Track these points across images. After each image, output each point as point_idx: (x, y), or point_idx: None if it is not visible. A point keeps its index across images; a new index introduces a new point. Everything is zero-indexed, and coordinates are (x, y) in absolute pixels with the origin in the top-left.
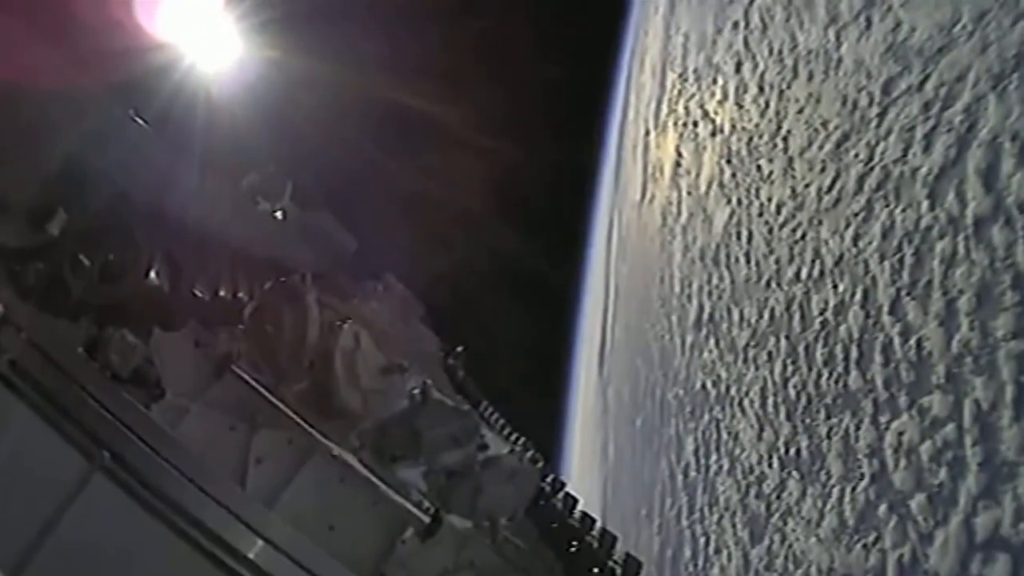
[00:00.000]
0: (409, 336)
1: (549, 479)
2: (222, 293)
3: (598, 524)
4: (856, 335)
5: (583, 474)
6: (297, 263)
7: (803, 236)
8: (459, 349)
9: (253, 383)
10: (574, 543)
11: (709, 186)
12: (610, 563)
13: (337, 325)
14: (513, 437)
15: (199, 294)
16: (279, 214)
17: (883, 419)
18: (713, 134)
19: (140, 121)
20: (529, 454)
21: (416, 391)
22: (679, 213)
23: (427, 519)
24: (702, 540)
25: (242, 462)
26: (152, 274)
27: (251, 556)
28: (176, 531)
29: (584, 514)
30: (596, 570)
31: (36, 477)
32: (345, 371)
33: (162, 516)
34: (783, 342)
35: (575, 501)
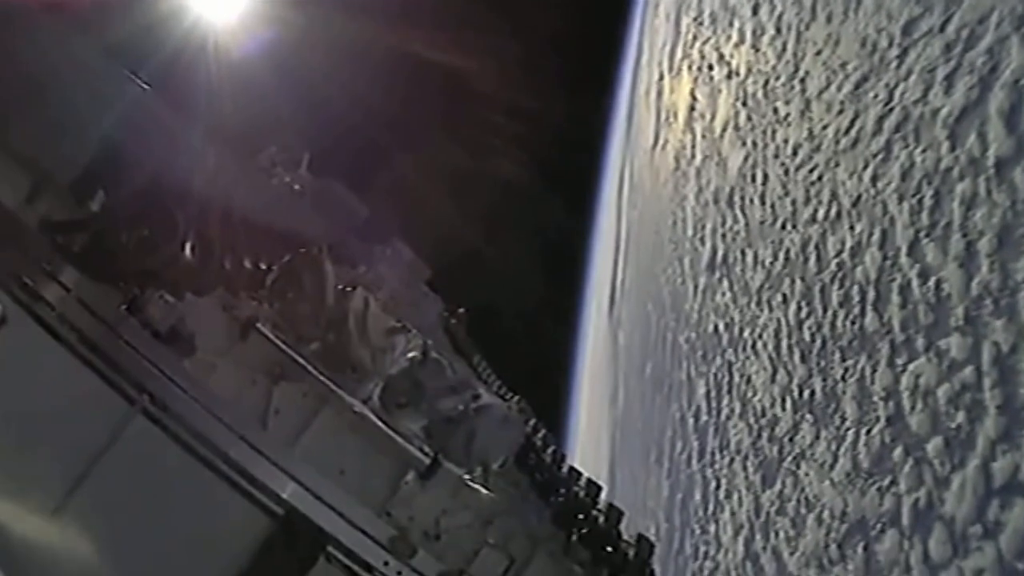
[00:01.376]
0: (414, 299)
1: (541, 435)
2: (247, 264)
3: (585, 476)
4: (873, 276)
5: (591, 420)
6: (312, 234)
7: (820, 177)
8: (460, 311)
9: (274, 342)
10: (561, 493)
11: (724, 129)
12: (595, 511)
13: (349, 290)
14: (505, 393)
15: (226, 265)
16: (295, 186)
17: (900, 361)
18: (729, 77)
19: (139, 80)
20: (518, 406)
21: (418, 350)
22: (693, 157)
23: (427, 462)
24: (713, 484)
25: (263, 412)
26: (186, 247)
27: (279, 491)
28: (210, 467)
29: (571, 468)
30: (581, 516)
31: (82, 419)
32: (357, 332)
33: (196, 453)
34: (798, 283)
35: (564, 455)
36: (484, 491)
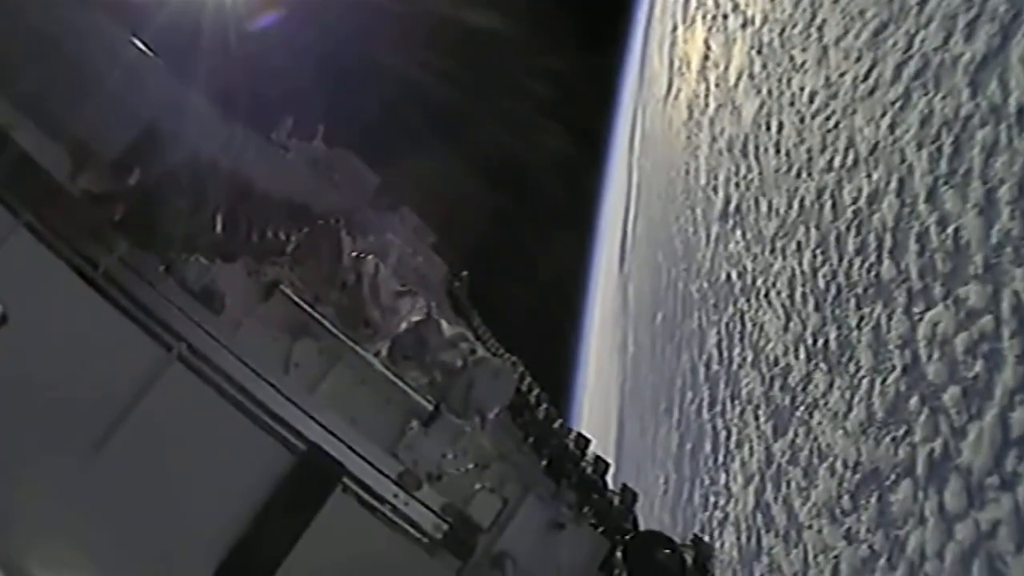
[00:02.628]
0: (419, 263)
1: (535, 393)
2: (270, 234)
3: (575, 431)
4: (890, 224)
5: (600, 373)
6: (328, 206)
7: (836, 125)
8: (463, 274)
9: (294, 302)
10: (551, 445)
11: (738, 78)
12: (583, 463)
13: (362, 257)
14: (500, 350)
15: (251, 234)
16: (311, 157)
17: (917, 309)
18: (744, 26)
19: (141, 46)
20: (511, 362)
21: (422, 311)
22: (706, 106)
23: (430, 411)
24: (723, 434)
25: (283, 365)
26: (216, 218)
27: (300, 429)
28: (239, 407)
29: (563, 423)
30: (571, 466)
31: (125, 364)
32: (369, 294)
33: (226, 395)
34: (813, 232)
35: (556, 411)
36: (481, 439)
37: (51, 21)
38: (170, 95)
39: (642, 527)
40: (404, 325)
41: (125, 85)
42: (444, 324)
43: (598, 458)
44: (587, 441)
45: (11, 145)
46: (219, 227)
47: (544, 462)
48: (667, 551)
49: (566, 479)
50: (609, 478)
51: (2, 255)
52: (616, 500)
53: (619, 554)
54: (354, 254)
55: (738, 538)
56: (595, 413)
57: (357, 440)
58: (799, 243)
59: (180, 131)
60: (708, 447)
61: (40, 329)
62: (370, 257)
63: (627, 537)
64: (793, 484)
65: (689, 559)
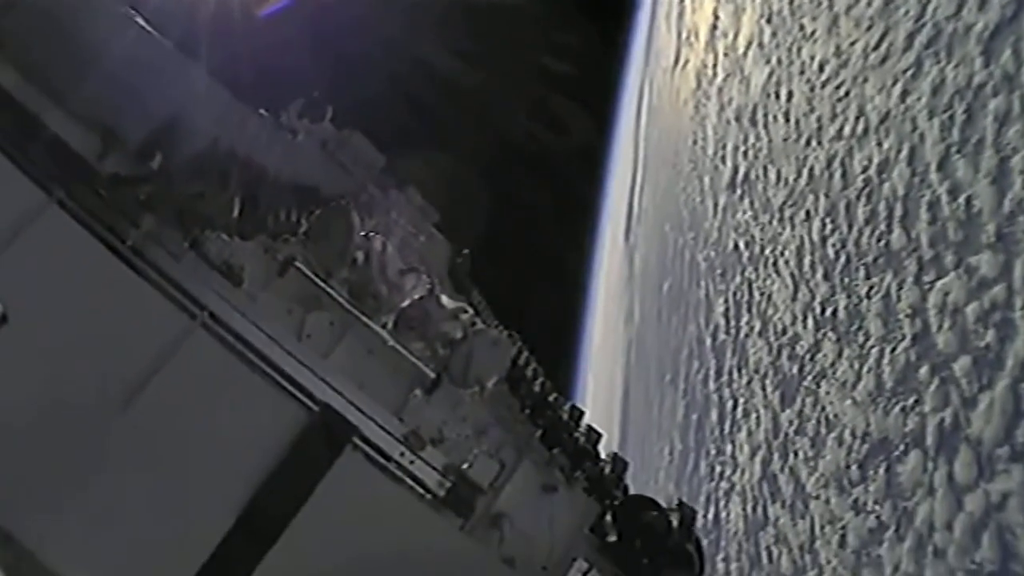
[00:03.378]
0: (423, 241)
1: (532, 366)
2: (284, 214)
3: (570, 404)
4: (901, 192)
5: (605, 344)
6: (337, 188)
7: (847, 94)
8: (464, 251)
9: (308, 277)
10: (547, 416)
11: (748, 47)
12: (576, 434)
13: (370, 236)
14: (498, 325)
15: (268, 214)
16: (321, 137)
17: (927, 278)
18: None
19: (141, 20)
20: (508, 336)
21: (426, 287)
22: (715, 76)
23: (432, 379)
24: (730, 404)
25: (297, 336)
26: (235, 199)
27: (316, 394)
28: (257, 371)
29: (557, 395)
30: (565, 435)
31: (150, 330)
32: (376, 271)
33: (246, 359)
34: (822, 200)
35: (553, 385)
36: (480, 407)
37: (77, 12)
38: (191, 85)
39: (642, 495)
40: (408, 300)
41: (148, 76)
42: (445, 299)
43: (590, 429)
44: (581, 413)
45: (43, 129)
46: (237, 209)
47: (539, 432)
48: (653, 513)
49: (559, 447)
50: (609, 448)
51: (36, 230)
52: (607, 468)
53: (609, 517)
54: (363, 234)
55: (744, 508)
56: (600, 384)
57: (366, 403)
58: (808, 212)
59: (200, 119)
60: (714, 417)
61: (72, 298)
62: (378, 237)
63: (616, 501)
64: (800, 454)
65: (674, 521)
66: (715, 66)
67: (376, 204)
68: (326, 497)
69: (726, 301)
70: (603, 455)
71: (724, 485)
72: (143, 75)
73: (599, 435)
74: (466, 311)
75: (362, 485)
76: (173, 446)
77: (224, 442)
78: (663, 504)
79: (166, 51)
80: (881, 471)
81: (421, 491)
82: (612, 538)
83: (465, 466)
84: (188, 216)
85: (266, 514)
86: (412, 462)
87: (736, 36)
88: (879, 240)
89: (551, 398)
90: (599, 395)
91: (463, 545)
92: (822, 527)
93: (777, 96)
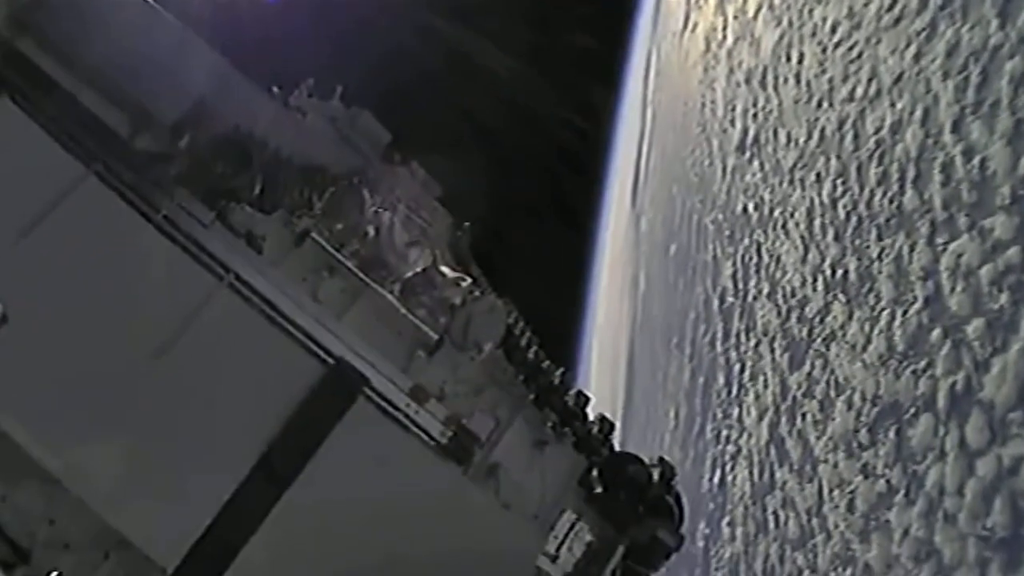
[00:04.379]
0: (426, 215)
1: (527, 335)
2: (299, 194)
3: (561, 369)
4: (914, 154)
5: (610, 309)
6: (347, 166)
7: (860, 55)
8: (465, 224)
9: (323, 248)
10: (540, 380)
11: (758, 9)
12: (566, 397)
13: (379, 211)
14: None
15: (287, 190)
16: (330, 115)
17: (940, 240)
18: None
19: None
20: (504, 303)
21: (428, 257)
22: (724, 39)
23: (434, 341)
24: (737, 367)
25: (312, 299)
26: (258, 176)
27: (332, 349)
28: (279, 327)
29: (550, 362)
30: (556, 398)
31: (181, 290)
32: (385, 243)
33: (269, 317)
34: (833, 162)
35: (544, 352)
36: (478, 368)
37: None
38: (214, 73)
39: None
40: (413, 270)
41: (174, 63)
42: (446, 269)
43: (579, 393)
44: (572, 379)
45: (81, 109)
46: (258, 186)
47: (532, 396)
48: (636, 468)
49: (550, 408)
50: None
51: (76, 199)
52: (594, 428)
53: (595, 471)
54: (373, 210)
55: (751, 472)
56: (605, 348)
57: (375, 360)
58: (819, 174)
59: (223, 106)
60: (721, 380)
61: (110, 259)
62: (386, 213)
63: (602, 457)
64: (809, 417)
65: (655, 475)
66: (725, 29)
67: (382, 179)
68: (340, 441)
69: (734, 264)
70: (591, 417)
71: (730, 449)
72: (170, 62)
73: (587, 399)
74: (465, 280)
75: (372, 431)
76: (201, 392)
77: (248, 390)
78: (645, 460)
79: (190, 40)
80: (891, 435)
81: (425, 438)
82: (598, 490)
83: (464, 421)
84: (215, 190)
85: (285, 455)
86: (417, 412)
87: None
88: (891, 202)
89: (544, 365)
90: (604, 359)
91: (465, 487)
92: (830, 491)
93: (788, 58)
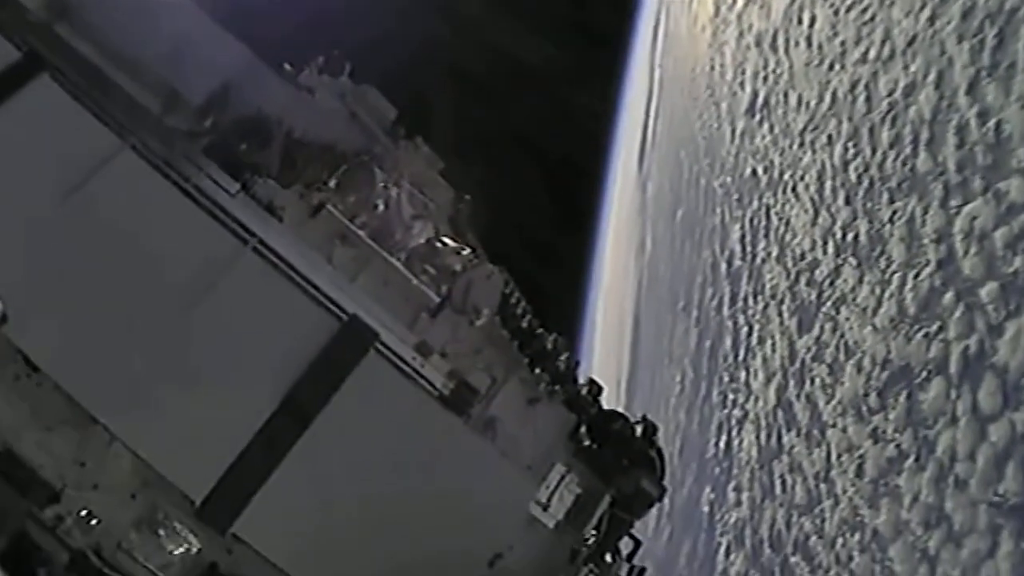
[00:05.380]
0: (429, 187)
1: (523, 304)
2: (316, 167)
3: (554, 335)
4: (928, 116)
5: (615, 273)
6: (356, 142)
7: (873, 17)
8: (466, 197)
9: (336, 218)
10: (534, 345)
11: None
12: (558, 362)
13: (387, 186)
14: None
15: (304, 166)
16: (339, 92)
17: (954, 203)
18: None
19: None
20: (500, 272)
21: (432, 228)
22: (734, 1)
23: (436, 303)
24: (744, 330)
25: (326, 265)
26: (277, 153)
27: (346, 308)
28: (298, 286)
29: (543, 329)
30: (548, 361)
31: (209, 253)
32: (393, 215)
33: (289, 278)
34: (845, 124)
35: (538, 319)
36: (476, 331)
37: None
38: (236, 60)
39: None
40: (418, 240)
41: (204, 49)
42: (448, 239)
43: (570, 357)
44: (564, 345)
45: (116, 89)
46: (278, 162)
47: (526, 359)
48: (621, 423)
49: (543, 370)
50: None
51: (113, 169)
52: (584, 390)
53: (584, 428)
54: (382, 185)
55: (757, 437)
56: (610, 313)
57: (384, 318)
58: (830, 136)
59: (245, 90)
60: (728, 344)
61: (143, 224)
62: (394, 188)
63: (591, 415)
64: (817, 381)
65: (639, 431)
66: None
67: (388, 154)
68: (353, 389)
69: (742, 227)
70: (582, 380)
71: (737, 413)
72: (198, 49)
73: (578, 363)
74: (465, 249)
75: (382, 380)
76: (229, 342)
77: (271, 340)
78: (630, 417)
79: (216, 28)
80: (902, 399)
81: (429, 388)
82: (587, 445)
83: (464, 377)
84: (238, 164)
85: (304, 399)
86: (422, 365)
87: None
88: (904, 164)
89: (537, 331)
90: (609, 324)
91: (465, 434)
92: (839, 456)
93: (799, 20)
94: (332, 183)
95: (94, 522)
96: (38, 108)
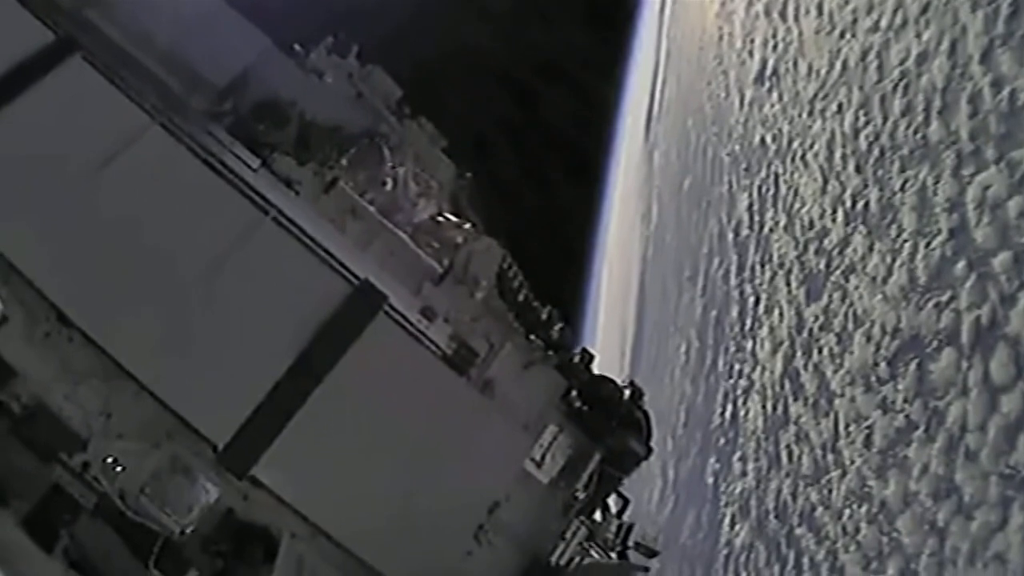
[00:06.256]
0: (432, 163)
1: (519, 278)
2: (328, 149)
3: (549, 307)
4: (940, 85)
5: (620, 244)
6: (364, 123)
7: None
8: (467, 174)
9: (348, 194)
10: (528, 316)
11: None
12: (552, 331)
13: (395, 166)
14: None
15: (318, 145)
16: (347, 72)
17: (967, 172)
18: None
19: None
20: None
21: (435, 205)
22: None
23: (440, 274)
24: (751, 300)
25: (339, 236)
26: (292, 135)
27: (358, 274)
28: (316, 256)
29: (538, 300)
30: (542, 331)
31: (231, 222)
32: (400, 191)
33: (306, 245)
34: (856, 93)
35: (532, 292)
36: (475, 300)
37: None
38: (254, 49)
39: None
40: (422, 215)
41: (227, 38)
42: (450, 215)
43: (563, 327)
44: (559, 315)
45: (144, 71)
46: (294, 141)
47: (523, 329)
48: (610, 387)
49: (538, 338)
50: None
51: (144, 144)
52: (576, 358)
53: (575, 392)
54: (390, 166)
55: (764, 406)
56: (615, 283)
57: (391, 285)
58: (840, 104)
59: (262, 76)
60: (734, 314)
61: (173, 196)
62: (401, 168)
63: (582, 379)
64: (825, 351)
65: (627, 394)
66: None
67: (393, 132)
68: (363, 347)
69: (750, 196)
70: (574, 349)
71: (743, 383)
72: (221, 38)
73: (571, 332)
74: (466, 224)
75: (390, 339)
76: (250, 302)
77: (289, 301)
78: (618, 382)
79: (237, 19)
80: (911, 369)
81: (434, 348)
82: (578, 407)
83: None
84: (258, 143)
85: (318, 356)
86: (427, 327)
87: None
88: (916, 133)
89: (533, 303)
90: (614, 294)
91: (466, 391)
92: (846, 426)
93: None
94: (344, 162)
95: (119, 469)
96: (72, 86)
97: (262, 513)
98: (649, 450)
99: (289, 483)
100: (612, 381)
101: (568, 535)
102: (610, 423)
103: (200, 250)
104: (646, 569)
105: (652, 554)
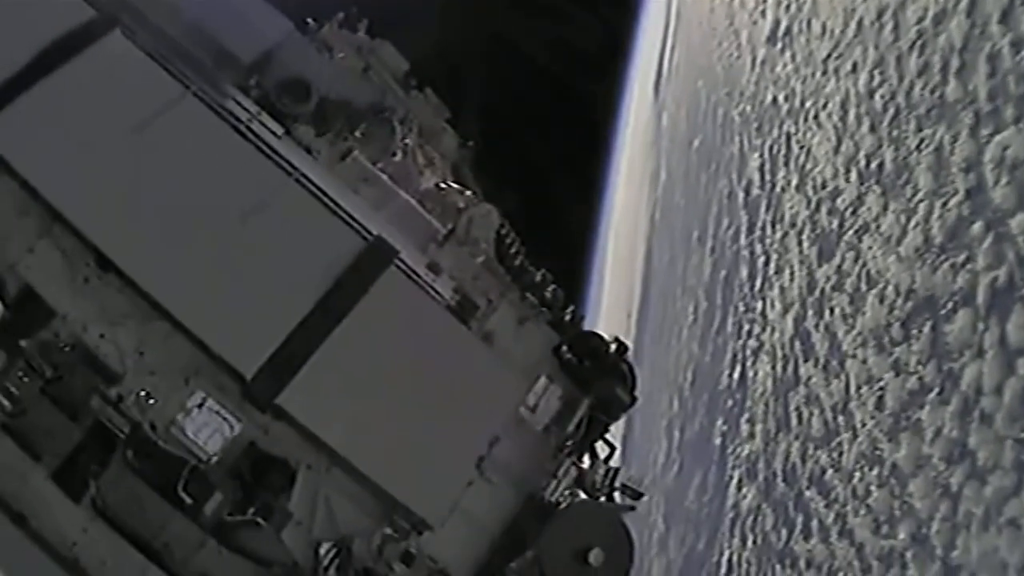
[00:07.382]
0: (436, 133)
1: (517, 243)
2: (342, 122)
3: (543, 270)
4: (958, 45)
5: (628, 204)
6: (371, 98)
7: None
8: (469, 143)
9: (362, 163)
10: (524, 279)
11: None
12: (545, 292)
13: (404, 138)
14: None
15: (334, 120)
16: (355, 48)
17: (984, 132)
18: None
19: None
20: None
21: (440, 173)
22: None
23: (443, 235)
24: (761, 260)
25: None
26: (311, 108)
27: (372, 230)
28: (333, 213)
29: (533, 264)
30: (536, 292)
31: (258, 181)
32: (409, 161)
33: (326, 206)
34: (871, 52)
35: (527, 256)
36: (475, 262)
37: None
38: (276, 30)
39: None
40: (428, 183)
41: (254, 20)
42: (452, 182)
43: (556, 289)
44: (552, 277)
45: (179, 47)
46: (312, 115)
47: (518, 288)
48: (598, 341)
49: (533, 297)
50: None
51: (179, 111)
52: (567, 316)
53: (566, 347)
54: (399, 137)
55: (773, 368)
56: (622, 244)
57: (401, 243)
58: (855, 64)
59: (287, 53)
60: (744, 274)
61: (206, 157)
62: (408, 140)
63: (572, 334)
64: (837, 311)
65: (613, 347)
66: None
67: (400, 104)
68: (377, 293)
69: (761, 156)
70: (567, 309)
71: (752, 344)
72: (249, 20)
73: (563, 294)
74: (467, 191)
75: (400, 288)
76: (276, 254)
77: (311, 252)
78: (605, 337)
79: (263, 4)
80: (926, 330)
81: (439, 299)
82: (568, 359)
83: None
84: (282, 114)
85: (337, 301)
86: (433, 280)
87: None
88: (933, 92)
89: (528, 267)
90: (620, 255)
91: (469, 338)
92: (858, 387)
93: None
94: (357, 134)
95: (151, 402)
96: (112, 58)
97: (281, 446)
98: (634, 399)
99: (310, 411)
100: (600, 336)
101: (560, 474)
102: (597, 373)
103: (231, 206)
104: (632, 508)
105: (638, 496)
